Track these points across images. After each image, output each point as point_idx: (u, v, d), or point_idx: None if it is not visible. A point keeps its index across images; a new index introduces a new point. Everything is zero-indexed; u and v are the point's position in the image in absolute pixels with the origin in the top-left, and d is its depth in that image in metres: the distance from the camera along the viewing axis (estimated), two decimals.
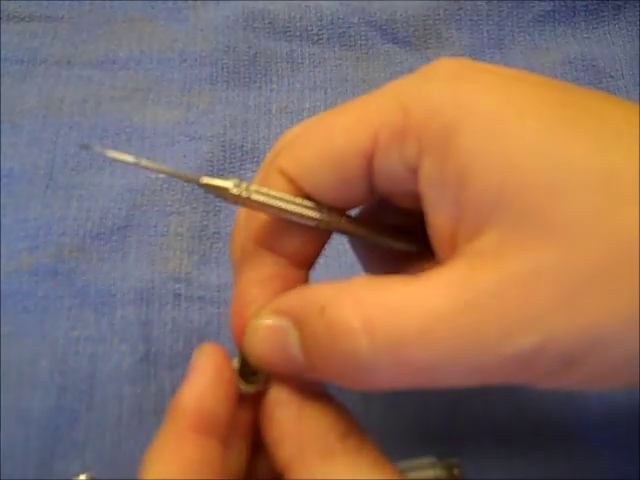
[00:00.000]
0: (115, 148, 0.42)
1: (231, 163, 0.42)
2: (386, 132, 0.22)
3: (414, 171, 0.22)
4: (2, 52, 0.46)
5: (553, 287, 0.19)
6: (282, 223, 0.25)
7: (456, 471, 0.31)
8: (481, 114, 0.21)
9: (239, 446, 0.26)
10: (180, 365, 0.35)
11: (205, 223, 0.40)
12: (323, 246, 0.27)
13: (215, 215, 0.40)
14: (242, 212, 0.27)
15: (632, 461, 0.33)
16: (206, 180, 0.24)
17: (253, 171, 0.42)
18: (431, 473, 0.31)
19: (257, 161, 0.42)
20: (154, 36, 0.47)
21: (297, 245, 0.26)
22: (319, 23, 0.47)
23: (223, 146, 0.42)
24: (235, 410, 0.25)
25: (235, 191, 0.24)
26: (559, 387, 0.21)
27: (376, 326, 0.20)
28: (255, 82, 0.46)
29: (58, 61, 0.46)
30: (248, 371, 0.25)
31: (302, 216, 0.25)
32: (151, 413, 0.34)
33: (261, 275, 0.26)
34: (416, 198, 0.23)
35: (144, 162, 0.24)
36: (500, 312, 0.20)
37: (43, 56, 0.46)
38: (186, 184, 0.41)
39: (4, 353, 0.35)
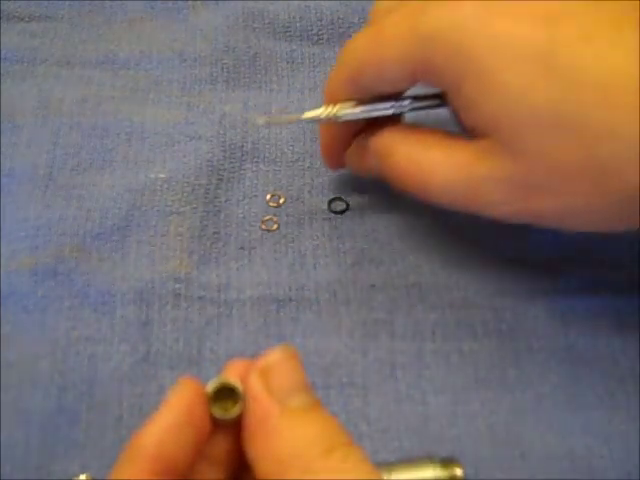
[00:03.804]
0: (115, 148, 0.42)
1: (231, 163, 0.42)
2: (421, 69, 0.32)
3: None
4: (2, 52, 0.46)
5: (509, 187, 0.31)
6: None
7: (457, 471, 0.31)
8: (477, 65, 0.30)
9: (211, 472, 0.25)
10: (180, 365, 0.35)
11: (205, 223, 0.40)
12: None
13: (215, 215, 0.40)
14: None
15: (632, 461, 0.33)
16: (305, 116, 0.36)
17: (253, 171, 0.42)
18: (431, 473, 0.31)
19: (257, 161, 0.42)
20: (154, 36, 0.47)
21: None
22: (319, 23, 0.47)
23: (223, 146, 0.42)
24: (204, 443, 0.24)
25: (325, 115, 0.35)
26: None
27: (416, 176, 0.34)
28: (255, 82, 0.46)
29: (58, 61, 0.46)
30: (224, 394, 0.24)
31: (378, 111, 0.35)
32: (151, 413, 0.34)
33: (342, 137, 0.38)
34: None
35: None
36: (481, 191, 0.32)
37: (43, 56, 0.46)
38: (186, 184, 0.41)
39: (4, 353, 0.35)
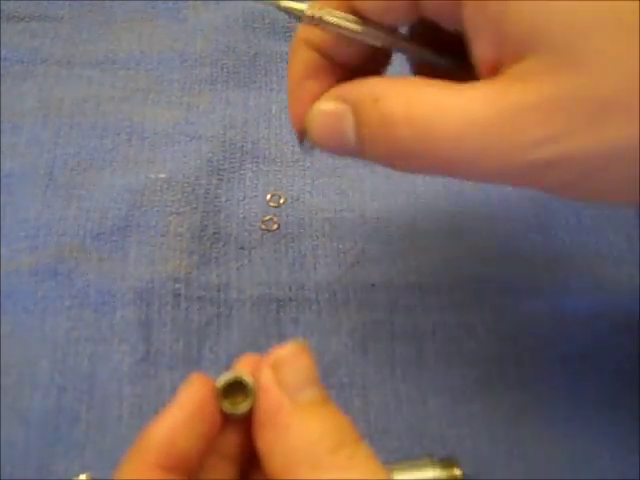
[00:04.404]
0: (115, 148, 0.42)
1: (231, 163, 0.42)
2: None
3: (458, 2, 0.25)
4: (2, 52, 0.46)
5: (571, 111, 0.23)
6: (342, 40, 0.29)
7: (456, 471, 0.31)
8: None
9: (222, 468, 0.25)
10: (180, 365, 0.35)
11: (205, 223, 0.40)
12: (370, 58, 0.30)
13: (215, 215, 0.40)
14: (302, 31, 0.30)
15: (632, 461, 0.33)
16: (284, 4, 0.28)
17: (253, 171, 0.42)
18: (431, 473, 0.31)
19: (257, 161, 0.42)
20: (154, 36, 0.47)
21: (353, 57, 0.30)
22: None
23: (223, 146, 0.42)
24: (215, 438, 0.24)
25: (309, 12, 0.27)
26: (573, 197, 0.26)
27: (417, 120, 0.25)
28: (255, 82, 0.46)
29: (58, 61, 0.46)
30: (235, 389, 0.24)
31: (367, 35, 0.28)
32: (151, 413, 0.34)
33: (317, 72, 0.30)
34: (459, 22, 0.26)
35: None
36: (523, 125, 0.24)
37: (43, 56, 0.46)
38: (186, 184, 0.41)
39: (4, 353, 0.35)
